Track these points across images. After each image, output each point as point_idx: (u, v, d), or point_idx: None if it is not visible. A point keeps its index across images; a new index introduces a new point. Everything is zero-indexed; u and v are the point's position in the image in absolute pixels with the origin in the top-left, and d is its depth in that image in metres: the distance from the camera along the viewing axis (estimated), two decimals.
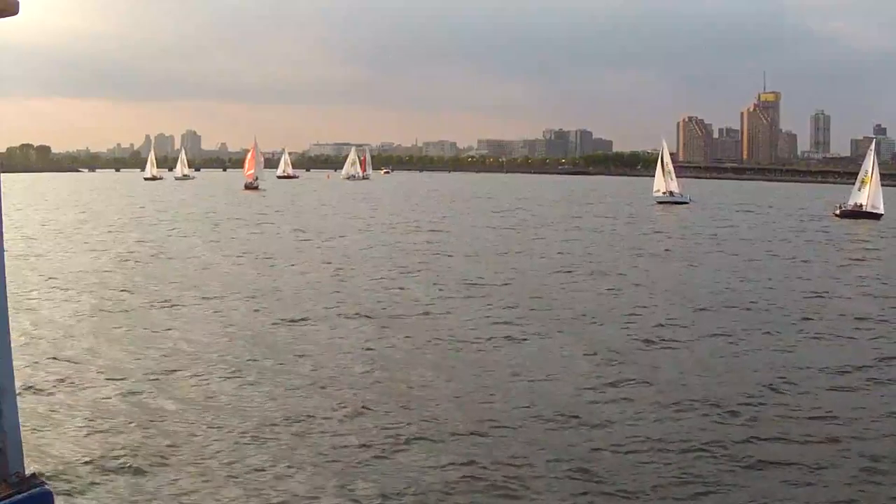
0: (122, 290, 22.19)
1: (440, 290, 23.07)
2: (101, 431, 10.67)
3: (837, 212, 58.21)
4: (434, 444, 10.48)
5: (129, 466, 9.48)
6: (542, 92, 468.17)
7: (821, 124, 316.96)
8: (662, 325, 18.27)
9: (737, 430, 11.15)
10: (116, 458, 9.72)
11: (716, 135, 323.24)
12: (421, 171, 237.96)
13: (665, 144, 76.02)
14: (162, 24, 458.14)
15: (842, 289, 24.90)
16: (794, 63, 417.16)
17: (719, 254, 34.49)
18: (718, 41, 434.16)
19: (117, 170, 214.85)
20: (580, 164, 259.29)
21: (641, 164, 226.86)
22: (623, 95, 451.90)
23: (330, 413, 11.64)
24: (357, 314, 19.11)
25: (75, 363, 14.17)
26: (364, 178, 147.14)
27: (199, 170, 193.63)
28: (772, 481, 9.39)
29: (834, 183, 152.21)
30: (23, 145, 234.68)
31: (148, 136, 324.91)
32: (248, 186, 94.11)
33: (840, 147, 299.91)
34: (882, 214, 54.17)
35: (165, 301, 20.58)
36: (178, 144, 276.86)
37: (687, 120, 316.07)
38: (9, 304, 2.36)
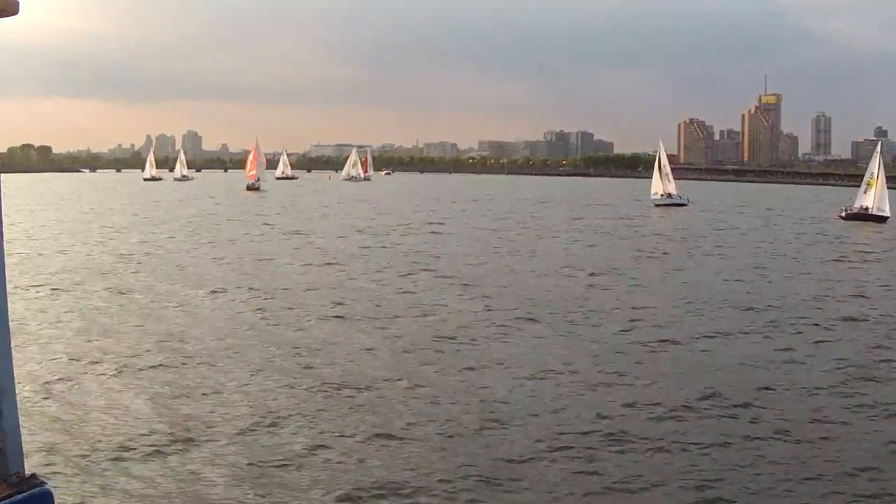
0: (121, 291, 22.21)
1: (440, 290, 23.10)
2: (101, 431, 10.67)
3: (843, 214, 57.85)
4: (434, 442, 10.50)
5: (130, 464, 9.49)
6: (543, 92, 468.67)
7: (822, 126, 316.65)
8: (662, 326, 18.30)
9: (737, 429, 11.16)
10: (117, 457, 9.73)
11: (717, 137, 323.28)
12: (421, 172, 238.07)
13: (662, 146, 75.96)
14: (162, 24, 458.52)
15: (842, 290, 24.91)
16: (795, 63, 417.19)
17: (719, 255, 34.50)
18: (718, 41, 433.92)
19: (118, 170, 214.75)
20: (581, 166, 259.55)
21: (642, 166, 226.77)
22: (623, 95, 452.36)
23: (330, 413, 11.67)
24: (357, 314, 19.13)
25: (75, 361, 14.19)
26: (365, 179, 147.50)
27: (199, 170, 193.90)
28: (772, 481, 9.40)
29: (835, 185, 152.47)
30: (24, 145, 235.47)
31: (149, 137, 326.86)
32: (250, 187, 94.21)
33: (841, 149, 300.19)
34: (888, 217, 53.66)
35: (165, 301, 20.61)
36: (178, 145, 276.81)
37: (688, 122, 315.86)
38: (8, 305, 2.37)
